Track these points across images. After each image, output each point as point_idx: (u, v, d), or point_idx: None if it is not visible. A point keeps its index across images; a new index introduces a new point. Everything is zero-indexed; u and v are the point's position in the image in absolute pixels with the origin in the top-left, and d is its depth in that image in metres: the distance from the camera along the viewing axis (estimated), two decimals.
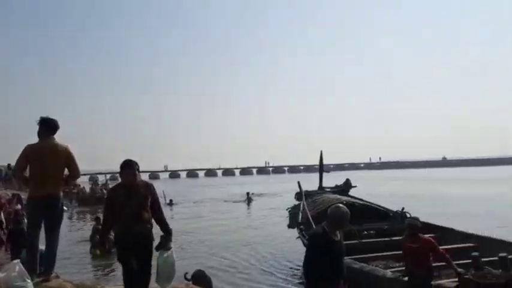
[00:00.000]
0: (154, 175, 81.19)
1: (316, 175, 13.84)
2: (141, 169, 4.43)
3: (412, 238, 5.53)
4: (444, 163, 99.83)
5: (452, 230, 8.89)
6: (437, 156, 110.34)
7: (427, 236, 5.71)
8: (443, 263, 5.69)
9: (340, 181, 13.40)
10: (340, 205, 4.07)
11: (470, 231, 8.75)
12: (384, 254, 7.89)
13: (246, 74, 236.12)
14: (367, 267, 6.78)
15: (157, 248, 4.52)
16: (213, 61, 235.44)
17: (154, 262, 4.47)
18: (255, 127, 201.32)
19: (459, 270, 5.34)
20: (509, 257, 5.13)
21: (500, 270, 4.90)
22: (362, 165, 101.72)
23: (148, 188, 4.40)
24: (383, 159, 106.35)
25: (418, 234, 5.54)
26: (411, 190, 30.77)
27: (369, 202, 11.13)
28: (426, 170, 78.99)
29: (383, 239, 9.05)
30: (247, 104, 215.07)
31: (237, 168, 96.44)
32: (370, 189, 28.73)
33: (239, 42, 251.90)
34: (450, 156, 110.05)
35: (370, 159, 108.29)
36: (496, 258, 5.43)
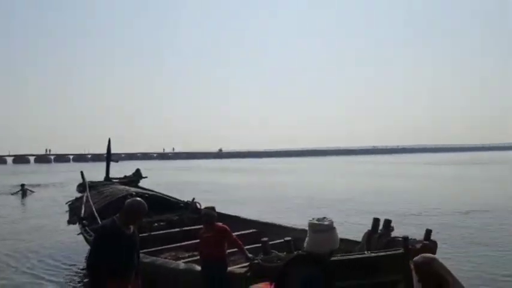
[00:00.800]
0: None
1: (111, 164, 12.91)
2: None
3: (207, 227, 5.54)
4: (218, 155, 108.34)
5: (237, 217, 9.28)
6: (214, 149, 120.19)
7: (220, 224, 5.68)
8: (236, 249, 5.79)
9: (131, 171, 12.73)
10: (138, 198, 3.96)
11: (251, 217, 9.34)
12: (175, 245, 7.78)
13: None
14: (158, 260, 6.53)
15: None
16: None
17: None
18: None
19: (249, 255, 5.49)
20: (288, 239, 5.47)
21: (285, 253, 5.16)
22: (155, 155, 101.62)
23: None
24: (176, 150, 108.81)
25: (214, 223, 5.53)
26: (197, 179, 32.28)
27: (160, 193, 10.85)
28: (203, 161, 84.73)
29: (173, 230, 8.90)
30: None
31: (9, 156, 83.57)
32: (162, 179, 28.96)
33: None
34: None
35: (164, 150, 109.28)
36: (277, 242, 5.81)
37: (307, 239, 2.54)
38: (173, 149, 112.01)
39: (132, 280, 3.87)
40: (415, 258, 2.45)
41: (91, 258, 3.71)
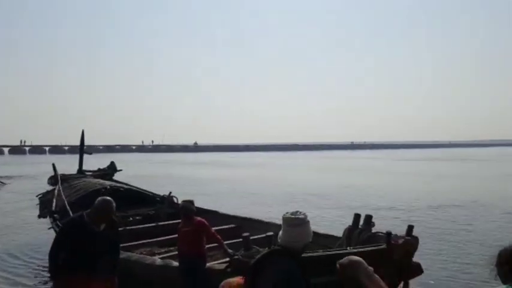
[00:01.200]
0: None
1: (86, 157, 12.58)
2: None
3: (186, 221, 5.43)
4: (196, 148, 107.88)
5: (216, 212, 9.10)
6: (190, 142, 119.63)
7: (199, 218, 5.55)
8: (216, 244, 5.67)
9: (106, 164, 12.36)
10: (108, 198, 3.97)
11: (229, 212, 9.19)
12: (151, 240, 7.61)
13: None
14: (134, 255, 6.37)
15: None
16: None
17: None
18: None
19: (230, 251, 5.37)
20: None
21: (267, 249, 5.01)
22: (134, 147, 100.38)
23: None
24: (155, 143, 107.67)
25: (192, 217, 5.42)
26: (174, 173, 32.04)
27: (135, 187, 10.61)
28: (182, 154, 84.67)
29: (149, 224, 8.72)
30: None
31: None
32: (139, 172, 28.54)
33: None
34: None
35: (143, 142, 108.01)
36: (258, 237, 5.77)
37: (281, 233, 2.54)
38: (152, 141, 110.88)
39: (107, 278, 3.83)
40: (342, 260, 2.43)
41: (51, 250, 3.71)
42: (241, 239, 5.29)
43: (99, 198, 3.93)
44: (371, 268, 2.40)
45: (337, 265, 2.36)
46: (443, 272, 7.64)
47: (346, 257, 2.43)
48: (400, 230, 5.04)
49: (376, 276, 2.38)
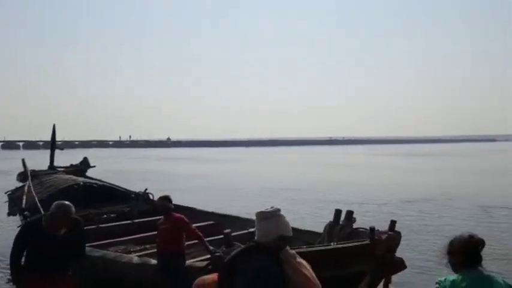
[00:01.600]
0: None
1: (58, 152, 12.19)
2: None
3: (164, 218, 5.34)
4: (174, 144, 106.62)
5: (193, 208, 8.94)
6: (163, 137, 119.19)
7: (178, 214, 5.44)
8: (196, 241, 5.57)
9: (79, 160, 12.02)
10: (66, 202, 3.86)
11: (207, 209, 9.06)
12: (126, 238, 7.49)
13: None
14: (109, 254, 6.22)
15: None
16: None
17: None
18: None
19: (211, 248, 5.27)
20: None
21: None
22: (111, 143, 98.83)
23: None
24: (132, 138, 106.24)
25: (171, 213, 5.31)
26: (150, 168, 31.68)
27: (109, 183, 10.39)
28: (160, 149, 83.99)
29: (124, 222, 8.55)
30: None
31: None
32: (115, 168, 28.07)
33: None
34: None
35: (120, 138, 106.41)
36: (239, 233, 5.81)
37: (255, 229, 2.52)
38: (130, 136, 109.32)
39: (64, 280, 3.82)
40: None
41: (11, 253, 3.78)
42: (220, 236, 5.18)
43: (56, 202, 3.88)
44: None
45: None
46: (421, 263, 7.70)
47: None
48: (378, 226, 5.01)
49: None
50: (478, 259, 2.40)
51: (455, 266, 2.46)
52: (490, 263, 2.44)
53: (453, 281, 2.36)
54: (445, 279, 2.41)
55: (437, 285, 2.44)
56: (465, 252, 2.39)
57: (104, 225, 8.22)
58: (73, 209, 3.80)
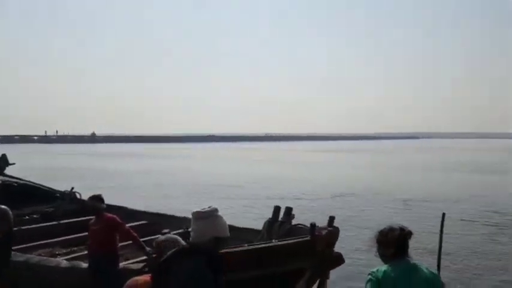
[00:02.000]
0: None
1: None
2: None
3: (96, 218, 5.15)
4: (104, 139, 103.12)
5: (124, 208, 8.59)
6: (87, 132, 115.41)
7: (110, 214, 5.22)
8: (130, 242, 5.40)
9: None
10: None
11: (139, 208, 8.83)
12: (51, 240, 7.06)
13: None
14: (34, 258, 5.81)
15: None
16: None
17: None
18: None
19: (148, 249, 5.07)
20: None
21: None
22: (36, 138, 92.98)
23: None
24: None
25: (103, 214, 5.12)
26: (78, 165, 30.41)
27: (31, 182, 9.77)
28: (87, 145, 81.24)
29: (48, 223, 8.07)
30: None
31: None
32: (39, 165, 26.43)
33: None
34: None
35: (46, 133, 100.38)
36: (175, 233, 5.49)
37: (191, 229, 2.47)
38: (56, 131, 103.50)
39: None
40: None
41: None
42: (155, 236, 5.00)
43: None
44: None
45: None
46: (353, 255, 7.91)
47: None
48: (317, 221, 5.04)
49: None
50: (406, 249, 2.56)
51: (384, 257, 2.59)
52: (413, 253, 2.63)
53: (385, 271, 2.49)
54: (377, 270, 2.53)
55: (369, 276, 2.53)
56: (396, 245, 2.54)
57: (25, 227, 7.57)
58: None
